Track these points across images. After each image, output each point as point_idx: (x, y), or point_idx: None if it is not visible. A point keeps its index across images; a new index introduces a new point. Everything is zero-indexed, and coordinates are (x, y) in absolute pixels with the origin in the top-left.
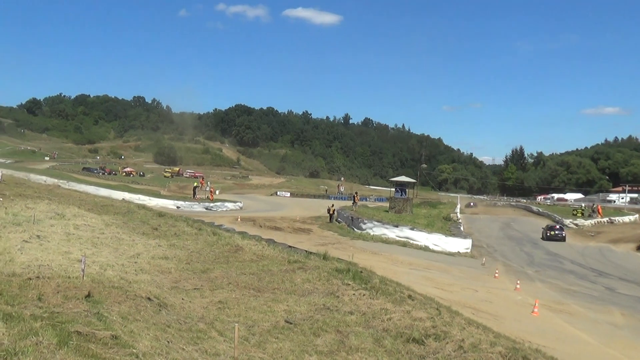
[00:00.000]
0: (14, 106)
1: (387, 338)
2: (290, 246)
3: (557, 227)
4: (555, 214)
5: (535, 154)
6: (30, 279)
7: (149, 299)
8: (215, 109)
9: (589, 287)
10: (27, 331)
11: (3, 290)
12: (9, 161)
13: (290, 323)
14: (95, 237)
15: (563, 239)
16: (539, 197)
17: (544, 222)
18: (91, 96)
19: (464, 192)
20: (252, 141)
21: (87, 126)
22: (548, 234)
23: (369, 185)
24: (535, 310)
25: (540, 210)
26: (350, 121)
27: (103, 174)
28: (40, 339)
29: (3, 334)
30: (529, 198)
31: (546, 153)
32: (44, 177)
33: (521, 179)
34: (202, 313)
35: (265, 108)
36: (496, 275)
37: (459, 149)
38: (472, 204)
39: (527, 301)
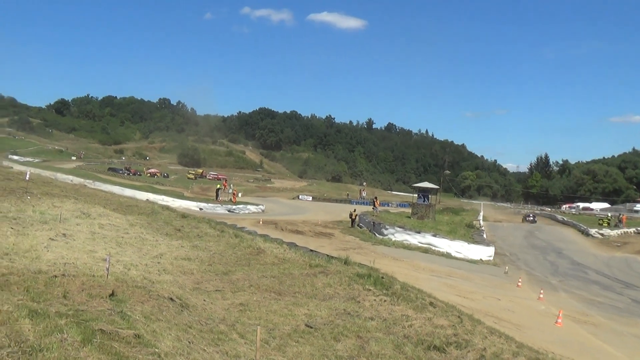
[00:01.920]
0: (43, 106)
1: (407, 345)
2: (311, 250)
3: (531, 215)
4: (580, 223)
5: (561, 162)
6: (55, 276)
7: (171, 299)
8: (239, 112)
9: (615, 298)
10: (52, 328)
11: (29, 287)
12: (36, 160)
13: (311, 327)
14: (120, 236)
15: (534, 221)
16: (564, 206)
17: (569, 232)
18: (118, 98)
19: (487, 199)
20: (275, 144)
21: (114, 127)
22: (526, 219)
23: (391, 190)
24: (559, 320)
25: (566, 219)
26: (374, 126)
27: (128, 174)
28: (65, 336)
29: (29, 330)
30: (553, 207)
31: (572, 161)
32: (70, 177)
33: (546, 187)
34: (223, 315)
35: (288, 112)
36: (519, 284)
37: (482, 156)
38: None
39: (550, 311)
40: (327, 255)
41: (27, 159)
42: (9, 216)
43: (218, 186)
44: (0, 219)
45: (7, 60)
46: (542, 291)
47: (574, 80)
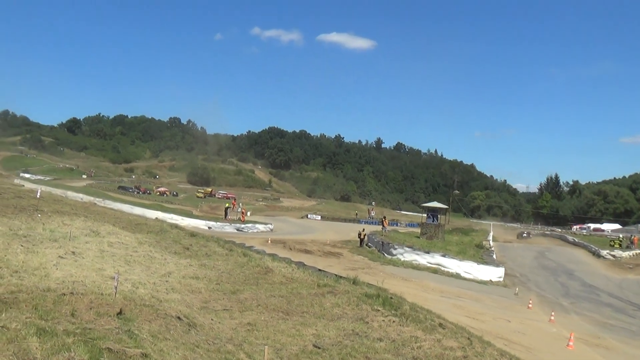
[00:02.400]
0: (55, 125)
1: None
2: (320, 270)
3: (525, 232)
4: (591, 245)
5: (571, 183)
6: (64, 294)
7: (179, 318)
8: (249, 131)
9: (628, 321)
10: (60, 346)
11: (38, 305)
12: (47, 178)
13: (319, 348)
14: (129, 255)
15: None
16: (575, 227)
17: (580, 253)
18: (129, 117)
19: (497, 220)
20: (284, 163)
21: (124, 146)
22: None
23: (400, 210)
24: (571, 343)
25: (576, 240)
26: (383, 145)
27: (138, 192)
28: (72, 354)
29: (36, 348)
30: (564, 227)
31: (582, 181)
32: (80, 195)
33: (556, 207)
34: (230, 334)
35: (298, 131)
36: (530, 305)
37: (492, 176)
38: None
39: (561, 334)
40: (336, 275)
41: (38, 177)
42: (19, 234)
43: (227, 205)
44: (11, 236)
45: (20, 79)
46: (553, 313)
47: (583, 101)
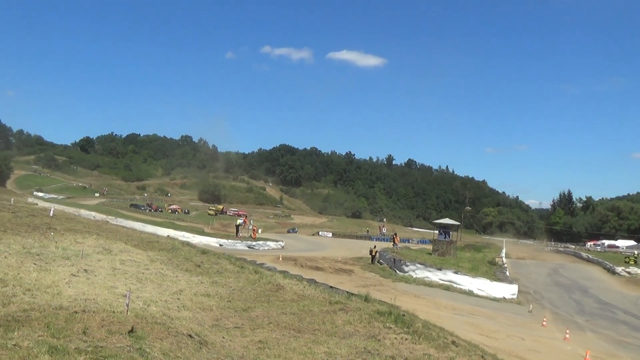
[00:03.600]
0: (69, 144)
1: None
2: (331, 287)
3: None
4: (606, 261)
5: (584, 199)
6: (76, 312)
7: (190, 336)
8: (260, 149)
9: None
10: None
11: (50, 323)
12: (60, 197)
13: None
14: (140, 272)
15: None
16: (589, 243)
17: (594, 270)
18: (141, 135)
19: (509, 236)
20: (295, 181)
21: (137, 164)
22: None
23: (412, 227)
24: None
25: (590, 256)
26: (394, 162)
27: (150, 210)
28: None
29: None
30: (577, 244)
31: (595, 198)
32: (93, 213)
33: (569, 224)
34: (242, 352)
35: (308, 148)
36: (544, 323)
37: (504, 192)
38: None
39: (577, 352)
40: (347, 292)
41: (52, 195)
42: (32, 252)
43: (238, 222)
44: (24, 254)
45: (34, 99)
46: (568, 331)
47: (596, 116)
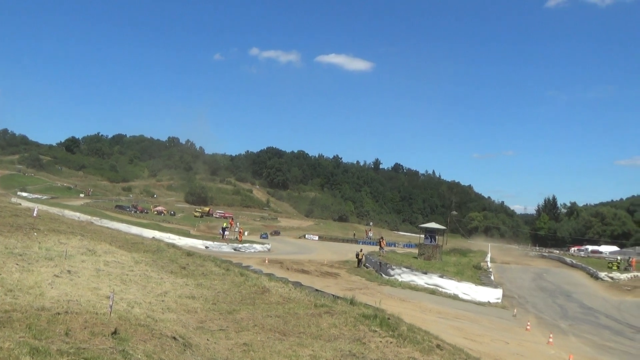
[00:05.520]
0: (54, 144)
1: None
2: (317, 290)
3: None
4: (589, 266)
5: (569, 204)
6: (59, 313)
7: (174, 338)
8: (247, 151)
9: (627, 343)
10: None
11: (32, 324)
12: (45, 197)
13: None
14: (125, 274)
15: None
16: (573, 249)
17: (578, 275)
18: (127, 136)
19: (494, 241)
20: (282, 183)
21: (122, 165)
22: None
23: (398, 231)
24: None
25: (574, 262)
26: (381, 166)
27: (135, 212)
28: None
29: None
30: (562, 249)
31: (580, 203)
32: (77, 214)
33: (554, 229)
34: (226, 355)
35: (296, 151)
36: (528, 327)
37: (489, 197)
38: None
39: (560, 356)
40: (333, 295)
41: (36, 195)
42: (15, 252)
43: (224, 224)
44: (6, 255)
45: (19, 98)
46: (551, 335)
47: (581, 123)
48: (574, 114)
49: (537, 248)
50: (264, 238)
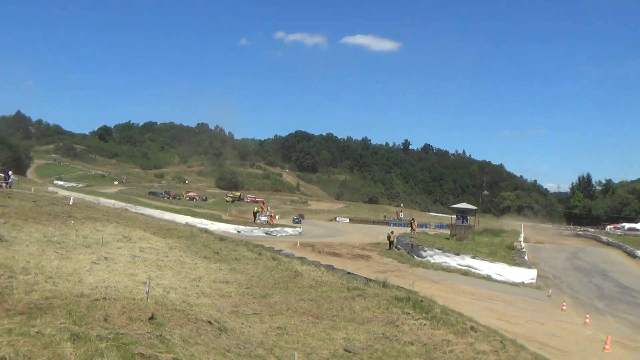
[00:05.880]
0: (87, 133)
1: None
2: (349, 273)
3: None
4: (626, 245)
5: (604, 182)
6: (97, 299)
7: (209, 322)
8: (276, 135)
9: None
10: (93, 351)
11: (72, 310)
12: (80, 185)
13: (350, 352)
14: (160, 259)
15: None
16: (609, 227)
17: (615, 253)
18: (158, 123)
19: (527, 220)
20: (311, 167)
21: (154, 152)
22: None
23: (429, 212)
24: (607, 346)
25: (610, 240)
26: (410, 147)
27: (168, 198)
28: (106, 359)
29: (70, 353)
30: (597, 227)
31: (615, 180)
32: (112, 201)
33: (589, 207)
34: (261, 338)
35: (324, 134)
36: (563, 307)
37: (521, 176)
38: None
39: (597, 337)
40: (365, 278)
41: (72, 184)
42: (53, 240)
43: (255, 209)
44: (45, 243)
45: (52, 89)
46: (588, 315)
47: (616, 99)
48: (608, 88)
49: (572, 227)
50: (296, 222)
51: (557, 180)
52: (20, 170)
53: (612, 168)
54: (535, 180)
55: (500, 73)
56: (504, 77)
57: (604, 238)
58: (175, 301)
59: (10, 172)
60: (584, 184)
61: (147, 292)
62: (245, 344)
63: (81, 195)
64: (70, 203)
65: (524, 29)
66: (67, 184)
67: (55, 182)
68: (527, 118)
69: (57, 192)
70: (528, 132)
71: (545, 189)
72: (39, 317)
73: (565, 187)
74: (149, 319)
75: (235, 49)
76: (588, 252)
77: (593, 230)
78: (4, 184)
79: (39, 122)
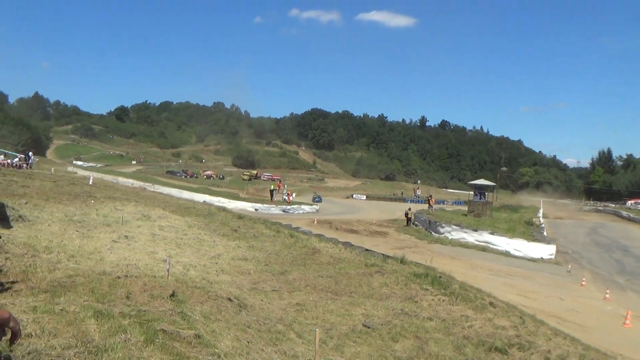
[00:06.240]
0: (104, 114)
1: (468, 346)
2: (367, 249)
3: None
4: None
5: (625, 156)
6: (119, 277)
7: (229, 299)
8: (292, 113)
9: None
10: (117, 328)
11: (94, 288)
12: (99, 165)
13: (368, 327)
14: (179, 238)
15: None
16: (629, 202)
17: (636, 228)
18: (174, 103)
19: (546, 196)
20: (327, 144)
21: (171, 131)
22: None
23: (446, 188)
24: (627, 321)
25: (631, 215)
26: (427, 123)
27: (185, 177)
28: (129, 336)
29: (94, 330)
30: (617, 202)
31: (636, 155)
32: (131, 180)
33: (609, 182)
34: (280, 315)
35: (340, 112)
36: (583, 283)
37: (540, 152)
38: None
39: (618, 312)
40: (383, 255)
41: (90, 164)
42: (74, 219)
43: (272, 187)
44: (67, 222)
45: (68, 70)
46: (608, 291)
47: (636, 71)
48: (628, 61)
49: (592, 202)
50: (317, 202)
51: (577, 156)
52: (40, 151)
53: (633, 142)
54: (555, 156)
55: (517, 48)
56: (521, 52)
57: (624, 213)
58: (195, 278)
59: (30, 153)
60: (605, 159)
61: (168, 270)
62: (264, 320)
63: (100, 175)
64: (90, 183)
65: (542, 2)
66: (86, 164)
67: (74, 162)
68: (546, 93)
69: (76, 172)
70: (547, 107)
71: (565, 164)
72: (63, 295)
73: (585, 163)
74: (170, 296)
75: (250, 27)
76: (608, 227)
77: (613, 205)
78: (24, 165)
79: (57, 103)
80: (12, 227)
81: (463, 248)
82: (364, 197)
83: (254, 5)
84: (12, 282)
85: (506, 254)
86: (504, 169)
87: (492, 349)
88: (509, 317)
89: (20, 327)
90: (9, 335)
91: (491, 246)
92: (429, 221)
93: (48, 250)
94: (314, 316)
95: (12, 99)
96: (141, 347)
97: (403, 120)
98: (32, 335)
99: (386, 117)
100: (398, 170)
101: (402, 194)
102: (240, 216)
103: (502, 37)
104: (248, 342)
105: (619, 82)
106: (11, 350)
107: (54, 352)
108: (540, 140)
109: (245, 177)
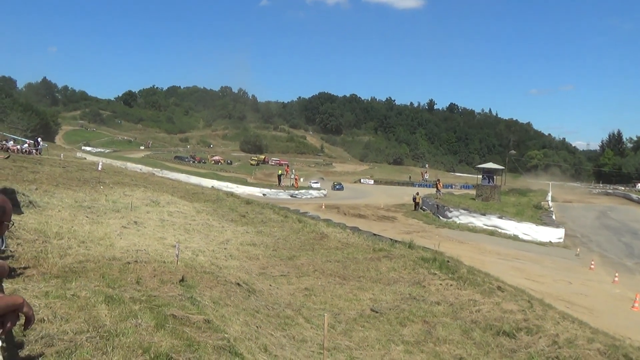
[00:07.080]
0: (112, 99)
1: (476, 330)
2: (374, 234)
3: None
4: None
5: (635, 138)
6: (129, 263)
7: (238, 284)
8: (299, 97)
9: None
10: (127, 313)
11: (105, 273)
12: (108, 151)
13: (376, 312)
14: (187, 223)
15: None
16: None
17: None
18: (182, 87)
19: (555, 179)
20: (335, 128)
21: (178, 116)
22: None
23: (455, 172)
24: (636, 305)
25: None
26: (435, 107)
27: (193, 162)
28: (139, 321)
29: (105, 315)
30: (627, 185)
31: None
32: (139, 166)
33: (619, 164)
34: (289, 299)
35: (348, 95)
36: (592, 266)
37: (549, 134)
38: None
39: (626, 295)
40: (391, 239)
41: (99, 149)
42: (84, 205)
43: (280, 172)
44: (77, 208)
45: (76, 55)
46: (617, 274)
47: None
48: (637, 41)
49: (601, 185)
50: (338, 189)
51: (587, 138)
52: (49, 136)
53: None
54: (564, 139)
55: (526, 30)
56: (530, 34)
57: (634, 196)
58: (204, 264)
59: (39, 139)
60: (615, 141)
61: (177, 255)
62: (273, 305)
63: (109, 161)
64: (99, 169)
65: None
66: (95, 150)
67: (83, 147)
68: (554, 75)
69: (85, 158)
70: (556, 90)
71: (574, 147)
72: (74, 280)
73: (595, 145)
74: (180, 282)
75: (256, 10)
76: (618, 210)
77: (623, 188)
78: (34, 150)
79: (65, 88)
80: (22, 213)
81: (471, 232)
82: (372, 182)
83: None
84: (24, 268)
85: (514, 237)
86: (513, 152)
87: (500, 333)
88: (517, 301)
89: (34, 313)
90: (22, 321)
91: (499, 230)
92: (437, 205)
93: (59, 236)
94: (322, 301)
95: (20, 84)
96: (152, 332)
97: (411, 103)
98: (44, 321)
99: (394, 101)
100: (406, 154)
101: (410, 178)
102: (248, 201)
103: (510, 18)
104: (257, 326)
105: (629, 62)
106: (24, 335)
107: (66, 337)
108: (550, 122)
109: (253, 162)
